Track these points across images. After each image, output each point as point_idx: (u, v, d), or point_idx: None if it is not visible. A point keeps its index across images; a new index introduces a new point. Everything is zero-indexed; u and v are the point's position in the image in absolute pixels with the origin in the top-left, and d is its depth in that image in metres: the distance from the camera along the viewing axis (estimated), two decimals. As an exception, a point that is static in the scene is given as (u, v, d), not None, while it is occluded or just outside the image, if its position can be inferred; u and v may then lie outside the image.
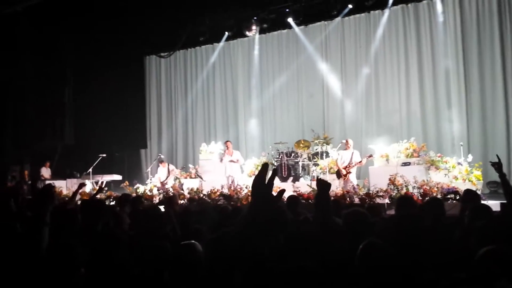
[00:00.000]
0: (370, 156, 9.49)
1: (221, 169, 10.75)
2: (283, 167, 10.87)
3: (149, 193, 10.04)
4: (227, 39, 14.22)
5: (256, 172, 10.39)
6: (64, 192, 10.93)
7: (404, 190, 7.52)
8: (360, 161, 9.24)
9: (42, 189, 3.65)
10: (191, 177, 11.36)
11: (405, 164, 9.07)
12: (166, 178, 11.17)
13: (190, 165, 12.00)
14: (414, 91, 11.85)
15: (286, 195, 7.03)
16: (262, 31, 13.48)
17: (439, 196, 6.91)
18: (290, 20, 12.70)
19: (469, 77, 11.18)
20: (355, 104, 12.58)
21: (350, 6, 11.95)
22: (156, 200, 9.54)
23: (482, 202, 5.04)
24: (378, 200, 7.59)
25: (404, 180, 7.80)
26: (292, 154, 11.14)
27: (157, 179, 11.18)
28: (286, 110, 13.74)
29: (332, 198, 6.22)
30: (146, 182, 11.34)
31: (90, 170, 11.37)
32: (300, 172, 10.95)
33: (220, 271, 2.43)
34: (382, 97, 12.36)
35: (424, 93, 11.75)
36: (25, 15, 12.13)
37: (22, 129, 13.54)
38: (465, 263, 2.60)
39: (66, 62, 14.22)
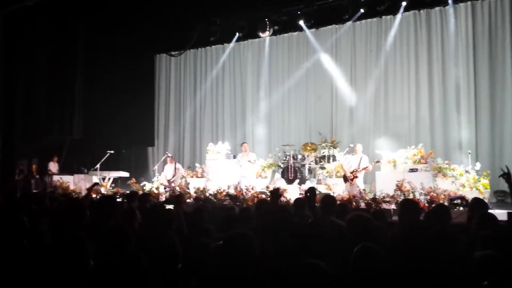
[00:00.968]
0: (378, 161, 9.48)
1: (233, 169, 10.82)
2: (289, 170, 10.88)
3: (155, 191, 10.09)
4: (237, 40, 14.27)
5: (263, 174, 10.43)
6: (71, 187, 11.01)
7: (411, 196, 7.50)
8: (367, 167, 9.24)
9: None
10: (197, 177, 11.40)
11: (412, 170, 9.04)
12: (173, 177, 11.22)
13: (197, 165, 12.03)
14: (424, 97, 11.82)
15: (292, 197, 7.07)
16: (273, 33, 13.50)
17: (445, 203, 6.88)
18: (301, 22, 12.72)
19: (479, 86, 11.15)
20: (363, 109, 12.57)
21: (362, 10, 11.95)
22: (163, 198, 9.59)
23: (489, 211, 5.01)
24: (384, 206, 7.59)
25: (411, 186, 7.78)
26: (299, 157, 11.15)
27: (164, 177, 11.23)
28: (294, 113, 13.75)
29: (338, 202, 6.23)
30: (153, 180, 11.38)
31: (98, 166, 11.44)
32: (307, 175, 10.95)
33: (231, 270, 2.46)
34: (391, 102, 12.34)
35: (433, 100, 11.72)
36: (37, 10, 12.22)
37: (31, 123, 13.65)
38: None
39: (77, 58, 14.31)
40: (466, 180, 8.53)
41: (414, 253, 3.00)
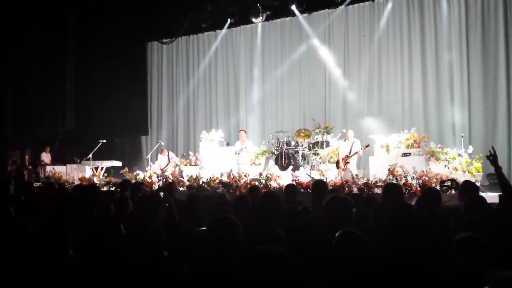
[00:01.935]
0: (367, 146, 9.46)
1: (227, 156, 10.82)
2: (283, 156, 10.85)
3: (148, 180, 10.05)
4: (229, 26, 14.11)
5: (256, 161, 10.39)
6: (64, 177, 10.95)
7: (403, 181, 7.49)
8: (357, 152, 9.24)
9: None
10: (191, 165, 11.36)
11: (405, 154, 9.03)
12: (166, 166, 11.19)
13: (191, 153, 11.98)
14: (417, 82, 11.79)
15: (284, 183, 7.04)
16: (265, 19, 13.36)
17: (437, 186, 6.88)
18: (293, 7, 12.58)
19: (472, 70, 11.14)
20: (357, 94, 12.51)
21: (354, -6, 11.84)
22: (156, 187, 9.55)
23: (481, 193, 5.00)
24: (377, 190, 7.56)
25: (404, 171, 7.77)
26: (293, 143, 11.11)
27: (157, 166, 11.19)
28: (287, 99, 13.68)
29: (330, 187, 6.20)
30: (146, 169, 11.34)
31: (90, 155, 11.37)
32: (300, 161, 10.93)
33: (215, 255, 2.43)
34: (384, 87, 12.29)
35: (426, 84, 11.68)
36: (27, 1, 12.05)
37: (23, 114, 13.53)
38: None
39: (68, 48, 14.14)
40: (458, 164, 8.52)
41: (403, 237, 2.97)
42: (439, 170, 8.26)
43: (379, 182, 7.66)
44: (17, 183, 8.13)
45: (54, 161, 12.91)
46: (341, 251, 2.35)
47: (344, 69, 12.79)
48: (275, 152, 11.15)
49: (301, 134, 11.38)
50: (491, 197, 6.31)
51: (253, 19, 13.15)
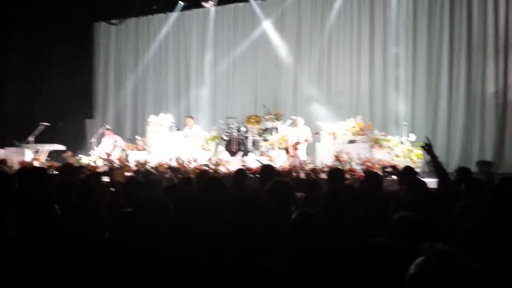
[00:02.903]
0: (317, 133, 9.66)
1: (176, 142, 10.69)
2: (233, 142, 10.84)
3: (93, 164, 9.72)
4: (181, 10, 13.82)
5: (206, 147, 10.30)
6: None
7: (348, 166, 7.72)
8: (307, 139, 9.42)
9: None
10: (138, 150, 11.09)
11: (351, 141, 9.27)
12: (112, 150, 10.86)
13: (137, 137, 11.68)
14: (364, 71, 12.16)
15: (234, 169, 7.07)
16: (218, 3, 13.23)
17: (379, 172, 7.15)
18: (246, -8, 12.50)
19: (417, 62, 11.65)
20: (307, 81, 12.69)
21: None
22: (100, 171, 9.25)
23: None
24: (323, 176, 7.74)
25: (349, 157, 8.00)
26: (243, 129, 11.12)
27: (101, 150, 10.83)
28: (239, 84, 13.66)
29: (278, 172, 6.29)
30: (90, 153, 10.95)
31: (31, 138, 10.82)
32: (250, 147, 10.96)
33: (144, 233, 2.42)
34: (333, 76, 12.57)
35: (373, 74, 12.09)
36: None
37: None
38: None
39: (12, 28, 13.30)
40: (401, 151, 8.88)
41: (343, 217, 3.05)
42: (382, 156, 8.58)
43: (325, 167, 7.84)
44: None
45: (-9, 144, 12.16)
46: (298, 229, 2.43)
47: (295, 57, 12.91)
48: (225, 138, 11.12)
49: (252, 120, 11.40)
50: (430, 183, 6.63)
51: (204, 3, 12.94)
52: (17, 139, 11.78)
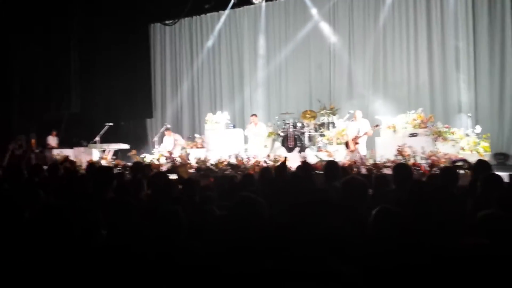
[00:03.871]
0: (377, 126, 9.49)
1: (233, 138, 10.96)
2: (289, 138, 10.89)
3: (156, 162, 10.10)
4: (232, 7, 13.96)
5: (263, 144, 10.38)
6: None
7: (412, 161, 7.53)
8: (367, 132, 9.28)
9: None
10: (197, 147, 11.39)
11: (412, 135, 9.04)
12: (173, 148, 11.22)
13: (196, 135, 11.99)
14: (423, 61, 11.73)
15: (294, 165, 7.11)
16: (268, -1, 13.26)
17: (447, 165, 6.92)
18: (297, -13, 12.43)
19: (478, 48, 11.08)
20: (362, 74, 12.46)
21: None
22: (164, 169, 9.59)
23: (492, 172, 5.03)
24: (386, 171, 7.61)
25: (412, 151, 7.81)
26: (298, 125, 11.13)
27: (164, 149, 11.22)
28: (292, 80, 13.61)
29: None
30: (152, 152, 11.38)
31: (97, 138, 11.39)
32: (307, 142, 10.96)
33: (240, 233, 2.47)
34: (390, 67, 12.22)
35: (432, 64, 11.62)
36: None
37: (28, 98, 13.52)
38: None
39: (72, 31, 14.04)
40: (466, 143, 8.56)
41: (423, 215, 3.02)
42: (446, 150, 8.30)
43: (387, 162, 7.70)
44: (28, 167, 8.17)
45: (61, 145, 12.93)
46: (378, 227, 2.43)
47: (349, 50, 12.69)
48: (281, 134, 11.18)
49: (307, 115, 11.40)
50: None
51: (253, 0, 13.02)
52: (84, 139, 12.47)
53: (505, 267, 2.10)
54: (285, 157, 3.58)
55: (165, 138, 11.66)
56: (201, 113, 14.34)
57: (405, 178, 4.46)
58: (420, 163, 7.45)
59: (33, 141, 12.79)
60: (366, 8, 12.51)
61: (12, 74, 13.02)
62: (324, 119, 11.21)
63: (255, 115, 11.50)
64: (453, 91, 11.28)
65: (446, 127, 9.06)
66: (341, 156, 9.20)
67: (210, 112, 12.44)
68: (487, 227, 2.49)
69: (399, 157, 7.74)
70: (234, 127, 11.80)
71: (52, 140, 13.15)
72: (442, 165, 7.03)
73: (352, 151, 9.20)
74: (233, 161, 9.33)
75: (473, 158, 6.91)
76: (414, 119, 9.32)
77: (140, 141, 13.99)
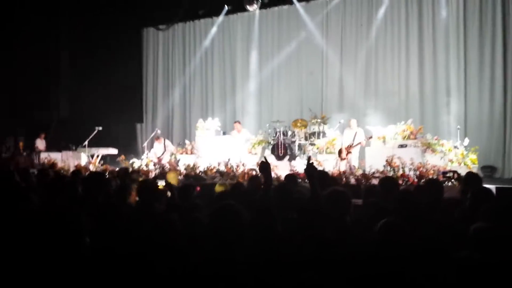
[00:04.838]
0: (370, 137, 9.52)
1: (222, 146, 10.86)
2: (279, 146, 10.86)
3: (145, 168, 10.02)
4: (226, 13, 14.00)
5: (253, 151, 10.38)
6: (59, 164, 10.86)
7: (401, 172, 7.55)
8: (360, 142, 9.32)
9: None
10: (187, 153, 11.33)
11: (402, 146, 9.07)
12: (162, 154, 11.14)
13: (187, 141, 11.93)
14: (414, 73, 11.82)
15: (283, 174, 7.08)
16: (262, 6, 13.31)
17: (435, 177, 6.95)
18: (291, -5, 12.51)
19: (469, 61, 11.15)
20: (353, 84, 12.53)
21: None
22: (152, 175, 9.52)
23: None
24: (374, 181, 7.61)
25: (401, 162, 7.83)
26: (289, 133, 11.13)
27: (153, 154, 11.14)
28: (284, 88, 13.64)
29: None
30: (142, 157, 11.28)
31: (86, 143, 11.28)
32: (297, 151, 10.95)
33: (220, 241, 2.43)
34: (381, 78, 12.31)
35: (423, 75, 11.72)
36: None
37: (17, 100, 13.38)
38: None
39: (62, 34, 13.95)
40: (454, 156, 8.61)
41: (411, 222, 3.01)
42: (435, 161, 8.33)
43: (376, 173, 7.71)
44: (16, 170, 8.06)
45: (49, 148, 12.79)
46: (385, 239, 2.42)
47: (341, 59, 12.77)
48: (272, 142, 11.16)
49: (298, 124, 11.41)
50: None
51: (248, 7, 13.07)
52: (71, 142, 12.34)
53: (497, 280, 2.10)
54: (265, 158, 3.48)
55: (155, 144, 11.58)
56: (192, 119, 14.29)
57: (391, 190, 4.45)
58: (408, 175, 7.47)
59: (21, 143, 12.64)
60: (359, 18, 12.60)
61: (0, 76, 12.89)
62: (315, 128, 11.22)
63: (238, 122, 11.55)
64: (443, 102, 11.36)
65: (436, 139, 9.11)
66: (331, 166, 9.19)
67: (201, 118, 12.40)
68: (478, 240, 2.48)
69: (388, 168, 7.76)
70: (224, 133, 11.77)
71: (41, 143, 13.00)
72: (430, 176, 7.05)
73: (343, 159, 9.20)
74: (222, 168, 9.29)
75: (461, 171, 6.96)
76: (404, 130, 9.37)
77: (130, 146, 13.88)
